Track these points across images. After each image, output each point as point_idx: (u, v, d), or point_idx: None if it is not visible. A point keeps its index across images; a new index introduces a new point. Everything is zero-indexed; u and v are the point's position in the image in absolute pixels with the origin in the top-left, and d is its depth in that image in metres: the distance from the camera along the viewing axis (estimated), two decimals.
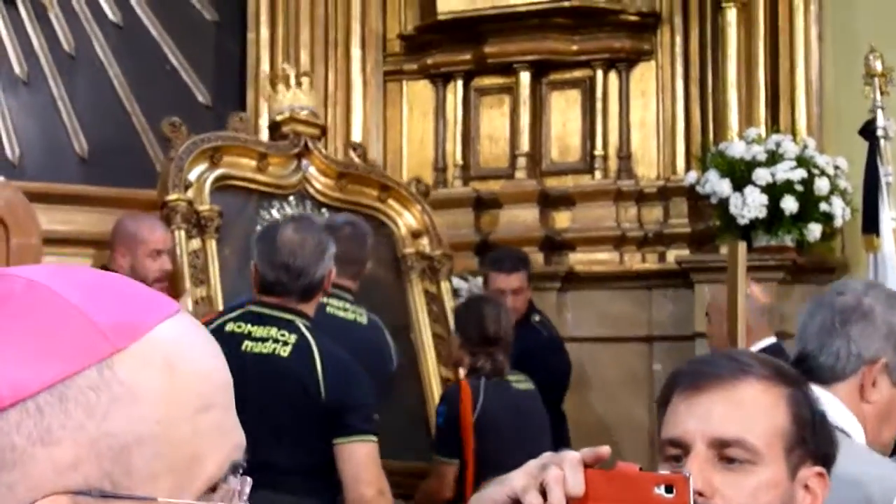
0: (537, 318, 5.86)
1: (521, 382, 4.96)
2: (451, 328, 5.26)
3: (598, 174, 6.81)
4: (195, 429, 0.92)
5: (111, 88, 6.72)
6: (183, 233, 5.32)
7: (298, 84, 6.00)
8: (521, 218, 6.59)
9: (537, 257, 6.51)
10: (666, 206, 6.68)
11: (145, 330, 0.92)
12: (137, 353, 0.91)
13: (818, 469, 1.74)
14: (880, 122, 5.88)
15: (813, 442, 1.74)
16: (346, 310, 4.80)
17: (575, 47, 6.93)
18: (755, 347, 4.82)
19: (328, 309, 4.58)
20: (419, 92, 7.22)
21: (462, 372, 5.00)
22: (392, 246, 6.11)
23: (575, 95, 6.96)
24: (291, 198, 5.92)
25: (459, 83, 6.98)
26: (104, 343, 0.89)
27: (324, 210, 5.94)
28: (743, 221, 6.11)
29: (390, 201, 6.17)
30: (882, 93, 5.90)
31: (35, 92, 6.56)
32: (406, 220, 6.16)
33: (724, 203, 6.18)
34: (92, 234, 6.10)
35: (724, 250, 6.03)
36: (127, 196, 6.34)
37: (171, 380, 0.91)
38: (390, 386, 4.70)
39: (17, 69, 6.49)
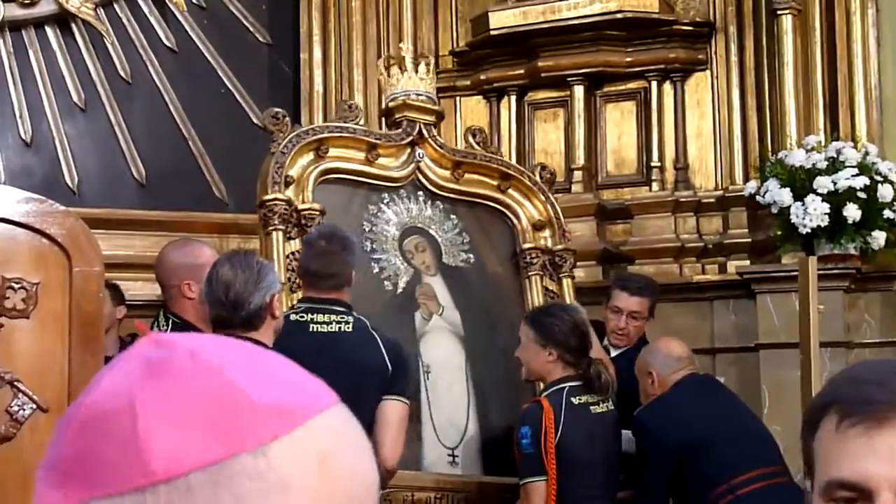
0: None
1: (599, 405, 4.79)
2: (531, 337, 4.88)
3: (654, 186, 6.76)
4: None
5: (167, 113, 6.79)
6: (280, 234, 5.07)
7: (415, 68, 5.65)
8: (578, 231, 6.51)
9: (595, 271, 6.51)
10: (725, 216, 6.64)
11: (305, 419, 0.90)
12: (294, 443, 0.89)
13: None
14: None
15: None
16: (328, 323, 4.67)
17: (628, 59, 6.93)
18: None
19: (311, 327, 4.55)
20: (473, 108, 7.21)
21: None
22: (511, 240, 5.79)
23: (630, 107, 6.95)
24: (402, 190, 5.60)
25: (513, 98, 6.95)
26: (262, 428, 0.88)
27: (437, 202, 5.67)
28: (805, 230, 6.04)
29: (511, 191, 5.83)
30: None
31: (92, 118, 6.64)
32: (528, 211, 5.81)
33: (784, 212, 6.12)
34: (151, 257, 6.13)
35: (786, 260, 6.06)
36: (185, 219, 6.57)
37: (324, 474, 0.90)
38: (388, 381, 4.41)
39: (74, 96, 6.57)
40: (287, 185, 5.13)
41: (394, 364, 4.31)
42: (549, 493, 4.51)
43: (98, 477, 0.87)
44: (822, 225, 6.03)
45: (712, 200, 6.64)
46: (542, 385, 4.88)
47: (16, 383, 3.92)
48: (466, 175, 5.71)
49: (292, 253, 5.02)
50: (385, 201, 5.49)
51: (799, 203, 6.06)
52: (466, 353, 5.39)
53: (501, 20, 6.85)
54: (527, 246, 5.69)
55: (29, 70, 6.52)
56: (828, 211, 6.00)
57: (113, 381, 0.91)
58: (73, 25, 6.57)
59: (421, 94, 5.63)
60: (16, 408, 3.93)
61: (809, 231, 6.05)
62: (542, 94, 7.03)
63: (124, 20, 6.71)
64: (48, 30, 6.57)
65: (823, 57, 6.51)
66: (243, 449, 0.87)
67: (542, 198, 5.79)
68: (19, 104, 6.47)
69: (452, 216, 5.67)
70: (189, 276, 4.96)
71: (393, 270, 5.36)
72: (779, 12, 6.48)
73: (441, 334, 5.38)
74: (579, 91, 6.79)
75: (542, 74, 6.84)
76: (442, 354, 5.33)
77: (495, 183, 5.77)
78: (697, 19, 6.92)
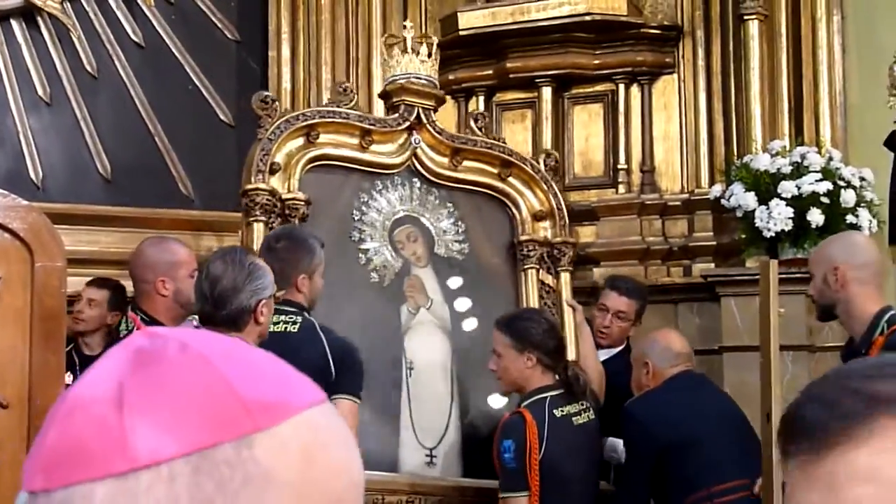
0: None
1: (579, 416, 4.70)
2: (507, 343, 4.71)
3: (621, 188, 6.81)
4: None
5: (134, 108, 6.78)
6: (262, 225, 4.94)
7: (416, 50, 5.45)
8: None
9: None
10: (690, 219, 6.67)
11: (290, 414, 0.91)
12: (278, 437, 0.90)
13: None
14: None
15: None
16: (276, 323, 4.60)
17: (596, 61, 6.92)
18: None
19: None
20: (441, 108, 7.19)
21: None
22: (510, 231, 5.64)
23: (597, 109, 6.96)
24: (397, 178, 5.44)
25: (481, 99, 6.95)
26: (247, 420, 0.89)
27: (433, 190, 5.50)
28: (769, 234, 6.07)
29: (512, 179, 5.66)
30: None
31: (58, 113, 6.63)
32: (529, 200, 5.66)
33: (749, 216, 6.15)
34: (116, 253, 6.25)
35: (750, 264, 6.07)
36: (150, 216, 6.58)
37: (307, 469, 0.90)
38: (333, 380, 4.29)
39: (39, 90, 6.58)
40: (273, 172, 5.00)
41: (339, 364, 4.21)
42: None
43: (82, 461, 0.87)
44: (786, 229, 6.05)
45: (678, 203, 6.66)
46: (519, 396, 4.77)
47: None
48: (465, 162, 5.56)
49: None
50: (378, 189, 5.37)
51: (763, 207, 6.09)
52: (453, 348, 5.27)
53: (470, 21, 6.84)
54: (524, 238, 5.55)
55: None
56: (792, 215, 6.02)
57: (103, 369, 0.92)
58: (39, 18, 6.57)
59: (421, 78, 5.46)
60: None
61: (773, 235, 6.07)
62: (510, 95, 7.05)
63: (91, 14, 6.69)
64: (13, 23, 6.56)
65: (789, 62, 6.54)
66: (226, 439, 0.88)
67: (545, 187, 5.64)
68: None
69: (449, 205, 5.53)
70: (165, 274, 4.94)
71: (381, 261, 5.26)
72: (745, 17, 6.50)
73: (427, 329, 5.27)
74: (547, 93, 6.79)
75: (511, 75, 6.85)
76: (427, 350, 5.23)
77: (496, 171, 5.62)
78: (665, 23, 6.93)
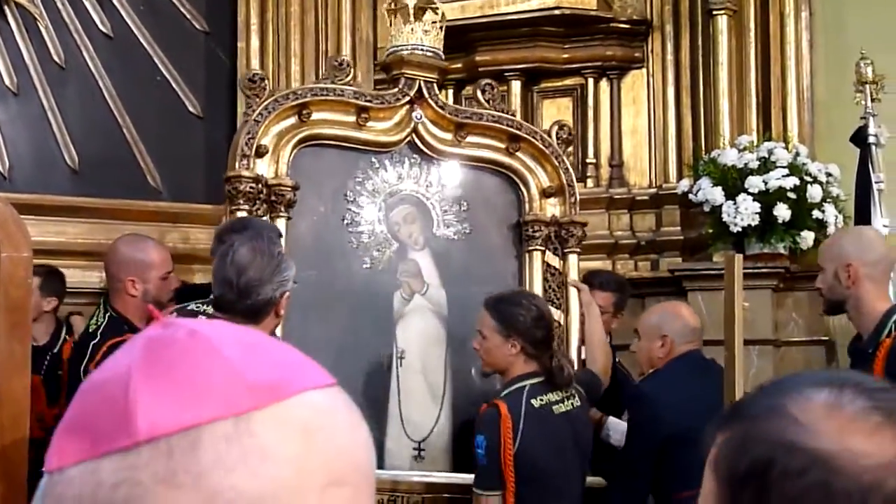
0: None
1: (561, 404, 4.49)
2: (492, 326, 4.50)
3: (589, 182, 6.84)
4: (322, 502, 0.92)
5: (102, 99, 6.72)
6: (244, 214, 4.67)
7: (420, 18, 5.04)
8: None
9: None
10: (658, 213, 6.72)
11: (289, 394, 0.93)
12: (276, 415, 0.91)
13: None
14: (871, 129, 5.96)
15: None
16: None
17: (565, 55, 6.96)
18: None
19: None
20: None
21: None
22: (517, 209, 5.29)
23: (566, 103, 6.99)
24: (395, 155, 5.10)
25: (450, 92, 6.93)
26: (247, 398, 0.91)
27: (435, 167, 5.19)
28: (735, 229, 6.14)
29: (520, 154, 5.27)
30: (873, 100, 6.00)
31: (25, 103, 6.57)
32: (538, 177, 5.28)
33: (716, 211, 6.21)
34: (82, 245, 6.28)
35: (717, 258, 6.15)
36: (118, 207, 6.51)
37: (307, 447, 0.92)
38: None
39: (6, 80, 6.49)
40: (260, 155, 4.76)
41: None
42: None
43: (91, 439, 0.89)
44: (753, 224, 6.13)
45: (646, 198, 6.71)
46: (501, 379, 4.58)
47: None
48: (470, 137, 5.21)
49: None
50: (374, 167, 5.08)
51: (730, 202, 6.15)
52: (448, 336, 5.05)
53: None
54: (530, 217, 5.22)
55: None
56: (758, 210, 6.09)
57: (119, 355, 0.95)
58: (6, 8, 6.48)
59: (424, 49, 5.09)
60: None
61: (740, 230, 6.14)
62: None
63: (59, 4, 6.63)
64: None
65: (757, 58, 6.61)
66: (225, 415, 0.89)
67: (556, 162, 5.25)
68: None
69: (452, 182, 5.23)
70: (135, 273, 4.89)
71: (375, 245, 5.03)
72: (714, 13, 6.58)
73: (421, 316, 5.06)
74: (516, 86, 6.83)
75: (480, 69, 6.84)
76: (418, 339, 5.02)
77: (503, 145, 5.25)
78: (634, 17, 6.97)
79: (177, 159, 6.83)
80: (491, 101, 5.32)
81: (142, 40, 6.83)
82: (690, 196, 6.38)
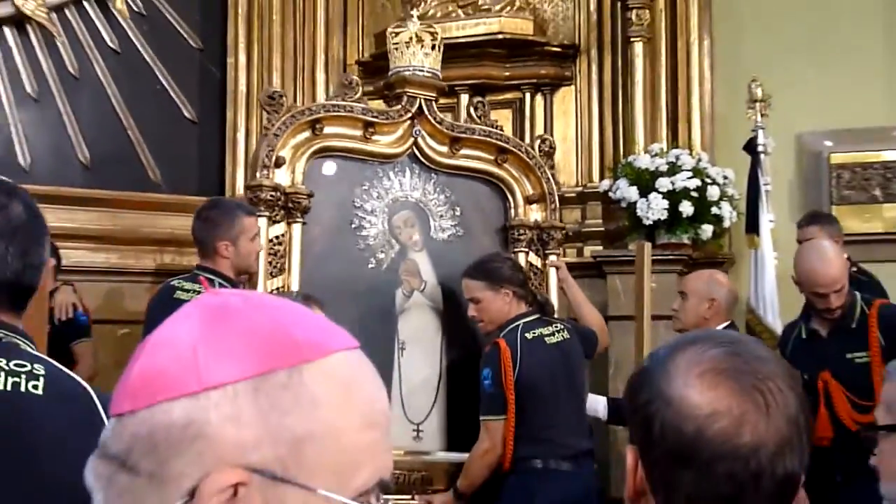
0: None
1: (553, 335, 4.46)
2: (482, 285, 4.40)
3: None
4: (358, 441, 0.93)
5: (110, 105, 6.68)
6: (265, 220, 4.56)
7: (420, 41, 4.92)
8: None
9: None
10: (583, 208, 6.66)
11: (331, 351, 0.95)
12: (322, 368, 0.93)
13: None
14: (760, 139, 6.01)
15: None
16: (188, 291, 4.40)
17: (507, 73, 6.90)
18: (720, 327, 4.61)
19: None
20: (376, 108, 7.12)
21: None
22: (504, 214, 5.22)
23: (507, 114, 6.88)
24: (397, 165, 4.99)
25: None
26: (297, 353, 0.92)
27: (432, 177, 5.07)
28: (647, 222, 6.15)
29: (507, 165, 5.18)
30: (762, 115, 6.03)
31: (44, 108, 6.52)
32: (523, 185, 5.21)
33: (631, 207, 6.20)
34: (93, 230, 6.24)
35: (632, 246, 5.92)
36: (123, 198, 6.49)
37: (347, 396, 0.94)
38: None
39: (28, 88, 6.47)
40: (278, 165, 4.62)
41: None
42: (508, 427, 4.28)
43: (162, 386, 0.90)
44: (662, 218, 6.12)
45: (573, 195, 6.63)
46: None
47: None
48: (464, 150, 5.11)
49: (276, 237, 4.59)
50: (378, 176, 4.96)
51: (643, 199, 6.15)
52: (443, 328, 4.96)
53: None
54: (515, 222, 5.16)
55: None
56: (666, 206, 6.09)
57: (178, 317, 0.96)
58: (28, 27, 6.45)
59: (425, 70, 4.96)
60: None
61: (651, 223, 6.14)
62: None
63: (74, 23, 6.59)
64: (6, 29, 6.43)
65: (667, 78, 6.60)
66: (280, 366, 0.91)
67: (539, 173, 5.18)
68: None
69: (447, 190, 5.12)
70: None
71: (379, 247, 4.92)
72: (632, 39, 6.55)
73: (419, 310, 4.96)
74: (465, 99, 6.70)
75: None
76: (418, 331, 4.93)
77: (492, 157, 5.15)
78: (565, 42, 6.92)
79: (173, 157, 6.82)
80: (482, 118, 5.24)
81: (144, 55, 6.81)
82: (610, 194, 6.37)
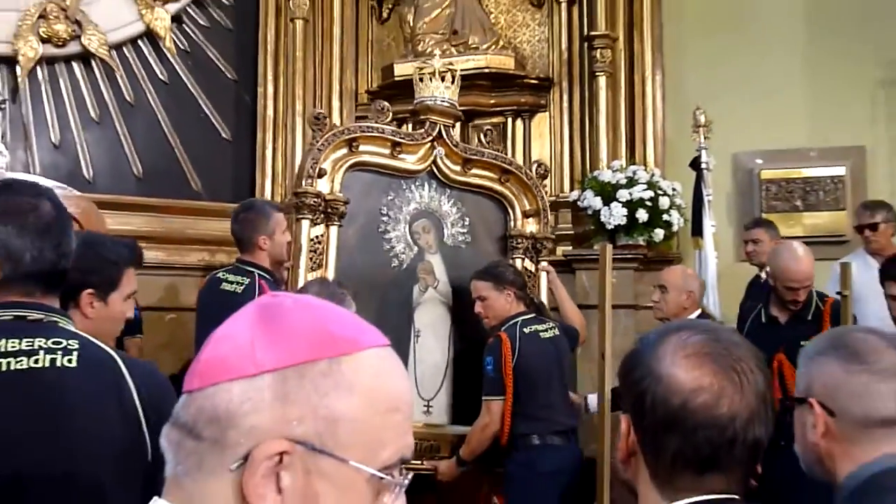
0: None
1: (546, 332, 4.60)
2: (489, 286, 4.56)
3: None
4: (385, 422, 0.95)
5: (159, 127, 6.85)
6: (307, 222, 4.61)
7: (442, 77, 5.04)
8: None
9: None
10: (556, 215, 6.61)
11: (365, 347, 0.97)
12: (357, 360, 0.95)
13: None
14: (703, 158, 6.21)
15: None
16: (231, 283, 4.52)
17: (492, 101, 7.04)
18: (694, 315, 4.78)
19: None
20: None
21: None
22: (505, 226, 5.36)
23: (492, 136, 6.93)
24: (418, 180, 5.10)
25: (410, 126, 5.94)
26: (337, 346, 0.94)
27: (447, 191, 5.18)
28: (609, 227, 6.30)
29: (510, 184, 5.36)
30: (705, 138, 6.23)
31: (105, 129, 6.69)
32: (522, 202, 5.36)
33: (596, 214, 6.36)
34: (144, 232, 6.34)
35: (596, 247, 5.99)
36: (169, 204, 6.69)
37: (377, 385, 0.95)
38: None
39: (92, 113, 6.68)
40: (320, 176, 4.69)
41: None
42: (506, 408, 4.44)
43: (224, 369, 0.93)
44: (622, 223, 6.28)
45: (548, 204, 5.93)
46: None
47: None
48: (474, 170, 5.26)
49: (316, 237, 4.66)
50: (402, 189, 5.06)
51: (606, 208, 6.31)
52: (453, 320, 5.08)
53: (403, 69, 6.93)
54: (513, 232, 5.32)
55: (59, 93, 6.58)
56: (625, 214, 6.25)
57: (241, 314, 0.98)
58: (93, 61, 6.64)
59: (445, 101, 5.07)
60: None
61: (613, 227, 6.31)
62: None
63: (130, 59, 6.79)
64: (74, 64, 6.63)
65: (626, 106, 6.71)
66: (322, 357, 0.93)
67: (535, 192, 5.36)
68: (51, 117, 6.55)
69: (459, 203, 5.24)
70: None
71: (401, 249, 5.02)
72: (597, 74, 6.70)
73: (433, 304, 5.06)
74: (457, 124, 5.90)
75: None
76: (431, 321, 5.03)
77: (497, 177, 5.32)
78: (541, 76, 7.07)
79: (212, 170, 6.94)
80: (490, 143, 5.45)
81: (188, 85, 6.99)
82: (578, 203, 6.49)
